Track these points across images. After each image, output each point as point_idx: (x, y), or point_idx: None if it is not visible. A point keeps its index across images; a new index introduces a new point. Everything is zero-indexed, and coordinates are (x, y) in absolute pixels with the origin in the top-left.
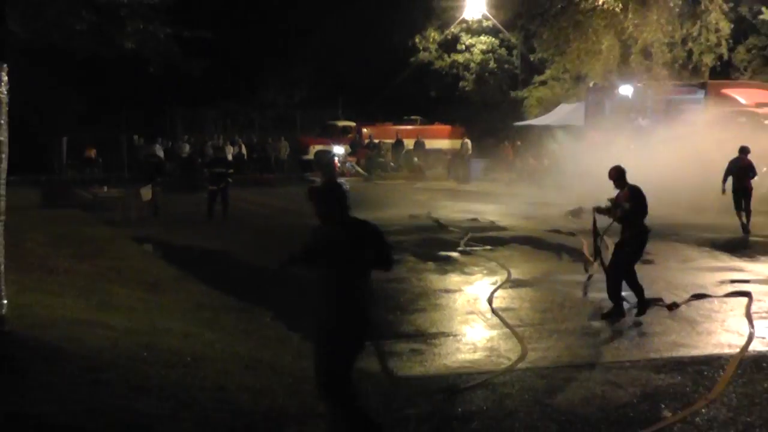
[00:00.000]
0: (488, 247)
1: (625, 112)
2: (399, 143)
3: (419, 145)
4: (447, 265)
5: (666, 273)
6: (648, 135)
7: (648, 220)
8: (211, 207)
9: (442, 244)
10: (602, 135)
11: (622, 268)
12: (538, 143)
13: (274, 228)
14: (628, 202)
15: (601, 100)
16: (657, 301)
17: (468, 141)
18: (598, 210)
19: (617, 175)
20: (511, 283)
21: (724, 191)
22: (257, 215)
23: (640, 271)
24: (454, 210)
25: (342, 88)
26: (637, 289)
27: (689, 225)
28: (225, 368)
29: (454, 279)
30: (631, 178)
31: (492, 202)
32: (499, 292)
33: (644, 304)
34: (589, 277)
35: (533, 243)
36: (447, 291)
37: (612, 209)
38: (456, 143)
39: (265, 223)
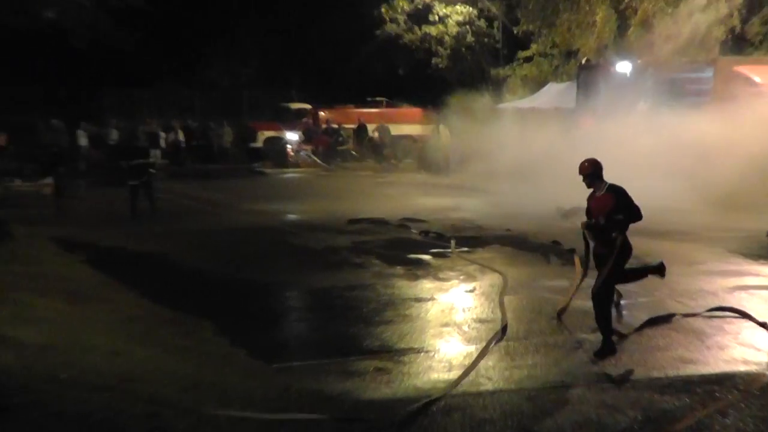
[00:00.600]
0: (465, 249)
1: (623, 93)
2: (362, 129)
3: (383, 130)
4: (418, 270)
5: (669, 278)
6: (649, 119)
7: (645, 221)
8: (134, 205)
9: (411, 246)
10: (596, 119)
11: (610, 286)
12: (523, 128)
13: (216, 227)
14: (618, 211)
15: (595, 79)
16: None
17: (445, 128)
18: (589, 227)
19: (592, 169)
20: (492, 290)
21: None
22: (197, 212)
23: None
24: (427, 207)
25: (296, 66)
26: (606, 319)
27: (697, 223)
28: (160, 391)
29: (426, 286)
30: (632, 170)
31: (469, 197)
32: (477, 301)
33: (607, 341)
34: (560, 315)
35: (517, 244)
36: (418, 300)
37: (604, 227)
38: (428, 129)
39: (206, 221)
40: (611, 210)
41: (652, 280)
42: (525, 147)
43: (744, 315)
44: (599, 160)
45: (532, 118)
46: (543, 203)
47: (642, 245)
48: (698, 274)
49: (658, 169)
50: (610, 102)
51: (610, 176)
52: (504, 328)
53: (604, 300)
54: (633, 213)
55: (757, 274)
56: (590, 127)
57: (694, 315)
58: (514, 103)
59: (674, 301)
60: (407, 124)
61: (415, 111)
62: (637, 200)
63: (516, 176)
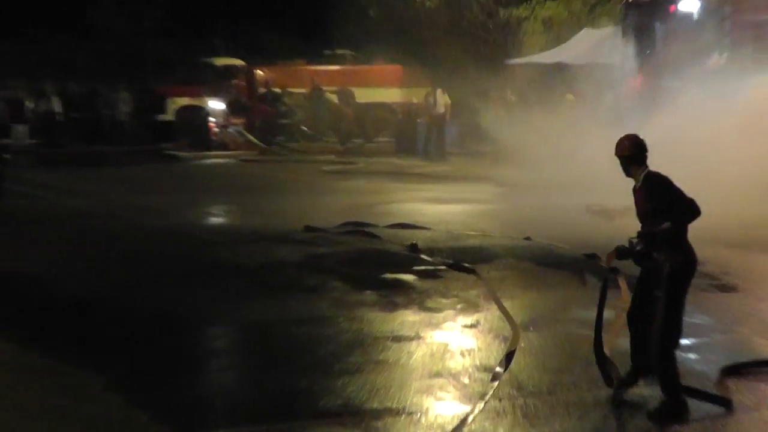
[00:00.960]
0: (466, 265)
1: (689, 42)
2: (317, 94)
3: (346, 96)
4: (396, 296)
5: (757, 305)
6: (725, 81)
7: (727, 226)
8: None
9: (387, 261)
10: (649, 80)
11: (670, 328)
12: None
13: (108, 234)
14: (657, 212)
15: (649, 23)
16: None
17: (443, 93)
18: (623, 254)
19: (630, 150)
20: (504, 325)
21: None
22: (80, 214)
23: (713, 301)
24: (413, 206)
25: (223, 6)
26: (669, 371)
27: None
28: None
29: (408, 319)
30: (705, 152)
31: (472, 191)
32: (481, 340)
33: (674, 400)
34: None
35: (538, 258)
36: (397, 339)
37: (641, 253)
38: (411, 94)
39: (93, 226)
40: (647, 212)
41: (732, 307)
42: (548, 119)
43: None
44: (643, 138)
45: (559, 77)
46: (573, 199)
47: (721, 259)
48: None
49: (743, 150)
50: (671, 55)
51: (670, 161)
52: (509, 355)
53: (666, 357)
54: (681, 211)
55: None
56: (642, 91)
57: None
58: (534, 57)
59: (764, 339)
60: (382, 87)
61: (393, 69)
62: (709, 195)
63: (536, 161)
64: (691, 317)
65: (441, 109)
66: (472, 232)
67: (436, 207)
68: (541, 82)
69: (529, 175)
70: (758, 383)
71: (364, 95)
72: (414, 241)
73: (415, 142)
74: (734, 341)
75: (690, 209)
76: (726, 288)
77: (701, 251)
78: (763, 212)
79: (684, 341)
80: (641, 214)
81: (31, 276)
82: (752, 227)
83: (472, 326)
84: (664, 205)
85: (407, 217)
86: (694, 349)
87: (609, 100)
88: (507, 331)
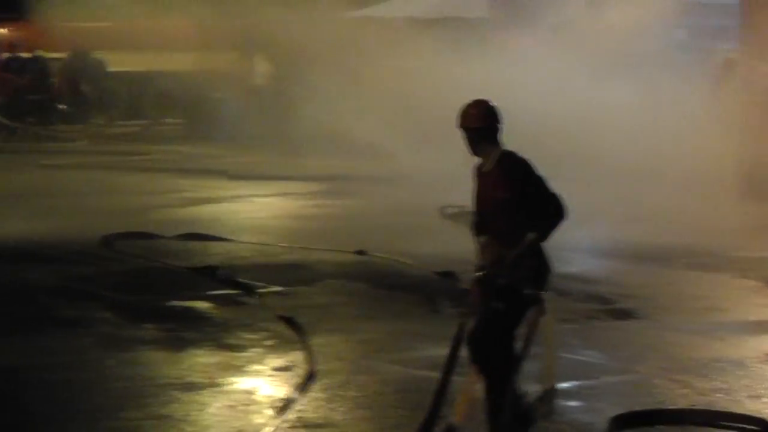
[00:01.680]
0: (278, 288)
1: None
2: (79, 60)
3: (88, 64)
4: (186, 330)
5: (661, 336)
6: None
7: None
8: None
9: (173, 284)
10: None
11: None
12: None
13: None
14: (519, 206)
15: None
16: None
17: (265, 62)
18: (483, 280)
19: (486, 120)
20: (327, 367)
21: None
22: None
23: (604, 332)
24: (207, 208)
25: None
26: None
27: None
28: None
29: (201, 360)
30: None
31: (288, 188)
32: (296, 387)
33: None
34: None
35: (375, 277)
36: (186, 387)
37: (510, 275)
38: (210, 60)
39: None
40: (498, 204)
41: (634, 338)
42: (392, 93)
43: None
44: (496, 106)
45: (409, 36)
46: (420, 199)
47: (616, 276)
48: (716, 329)
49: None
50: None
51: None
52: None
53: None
54: (546, 210)
55: None
56: (520, 54)
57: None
58: (376, 8)
59: (669, 381)
60: (169, 50)
61: (184, 27)
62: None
63: (374, 146)
64: (575, 353)
65: (259, 80)
66: (288, 245)
67: (238, 211)
68: (386, 42)
69: (359, 168)
70: None
71: (141, 62)
72: (212, 263)
73: (214, 124)
74: (629, 383)
75: (557, 208)
76: (621, 314)
77: (589, 265)
78: (680, 212)
79: (565, 384)
80: (487, 206)
81: None
82: (666, 233)
83: (286, 369)
84: (522, 196)
85: (201, 225)
86: (577, 394)
87: (477, 66)
88: (334, 374)
